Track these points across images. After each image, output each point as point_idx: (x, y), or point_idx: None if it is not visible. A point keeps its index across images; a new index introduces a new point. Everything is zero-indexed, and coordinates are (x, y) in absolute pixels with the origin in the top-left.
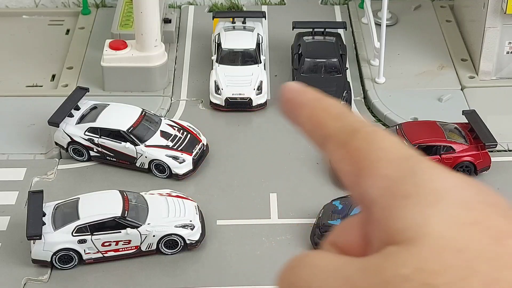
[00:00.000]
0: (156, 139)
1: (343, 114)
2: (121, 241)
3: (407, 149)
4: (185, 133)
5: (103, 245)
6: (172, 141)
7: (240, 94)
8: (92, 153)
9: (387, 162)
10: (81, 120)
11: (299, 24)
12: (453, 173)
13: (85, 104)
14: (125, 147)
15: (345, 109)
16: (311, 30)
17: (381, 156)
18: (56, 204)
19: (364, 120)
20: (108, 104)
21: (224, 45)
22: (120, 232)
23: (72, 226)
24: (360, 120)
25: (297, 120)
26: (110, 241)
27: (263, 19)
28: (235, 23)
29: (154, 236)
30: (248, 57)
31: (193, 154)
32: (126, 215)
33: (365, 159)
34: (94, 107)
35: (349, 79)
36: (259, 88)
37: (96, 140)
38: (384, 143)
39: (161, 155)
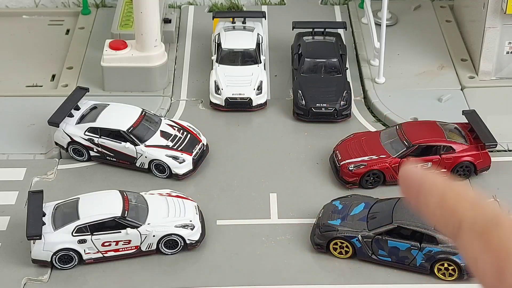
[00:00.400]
0: (156, 139)
1: (480, 202)
2: (121, 241)
3: None
4: (185, 133)
5: (103, 245)
6: (172, 141)
7: (240, 94)
8: (92, 153)
9: None
10: (81, 120)
11: (299, 24)
12: None
13: (85, 104)
14: (125, 147)
15: (480, 196)
16: (311, 30)
17: None
18: (56, 204)
19: (503, 209)
20: (108, 104)
21: (224, 45)
22: (120, 232)
23: (72, 226)
24: (499, 209)
25: (425, 206)
26: (110, 241)
27: (263, 19)
28: (235, 23)
29: (154, 236)
30: (248, 57)
31: (193, 154)
32: (126, 215)
33: (510, 251)
34: (94, 107)
35: (349, 79)
36: (259, 88)
37: (96, 140)
38: None
39: (161, 155)
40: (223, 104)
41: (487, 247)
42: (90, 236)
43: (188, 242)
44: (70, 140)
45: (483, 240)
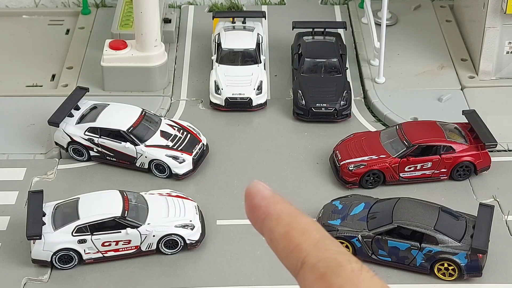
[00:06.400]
0: (156, 139)
1: (325, 241)
2: (121, 241)
3: None
4: (185, 133)
5: (103, 245)
6: (172, 141)
7: (240, 94)
8: (92, 153)
9: None
10: (81, 120)
11: (299, 24)
12: None
13: (85, 104)
14: (125, 147)
15: (325, 234)
16: (311, 30)
17: None
18: (56, 204)
19: (346, 251)
20: (108, 104)
21: (224, 45)
22: (120, 232)
23: (72, 226)
24: (343, 251)
25: (269, 234)
26: (110, 241)
27: (263, 19)
28: (235, 23)
29: (154, 236)
30: (248, 57)
31: (193, 154)
32: (126, 215)
33: None
34: (94, 107)
35: (349, 79)
36: (259, 88)
37: (96, 140)
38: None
39: (161, 155)
40: (223, 104)
41: None
42: (90, 236)
43: (188, 242)
44: (70, 140)
45: (324, 283)
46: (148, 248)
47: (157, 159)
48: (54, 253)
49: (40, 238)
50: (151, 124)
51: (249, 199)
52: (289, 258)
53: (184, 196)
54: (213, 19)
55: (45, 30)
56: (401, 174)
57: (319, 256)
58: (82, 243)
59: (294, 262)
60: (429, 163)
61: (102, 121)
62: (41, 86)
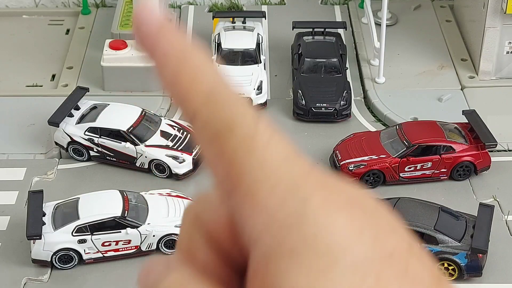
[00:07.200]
0: (156, 139)
1: (217, 90)
2: (121, 241)
3: (300, 166)
4: (185, 133)
5: (103, 245)
6: (172, 141)
7: (240, 94)
8: (92, 153)
9: (271, 187)
10: (81, 120)
11: (299, 24)
12: (348, 208)
13: (85, 104)
14: (125, 147)
15: (221, 80)
16: (311, 30)
17: (263, 175)
18: (56, 204)
19: (244, 104)
20: (108, 104)
21: (224, 45)
22: (120, 232)
23: (72, 226)
24: (240, 104)
25: (159, 72)
26: (110, 241)
27: (263, 19)
28: (235, 23)
29: (154, 236)
30: (248, 57)
31: (193, 154)
32: (126, 215)
33: (242, 174)
34: (94, 107)
35: (349, 79)
36: (259, 88)
37: (96, 140)
38: (268, 154)
39: (161, 155)
40: None
41: (220, 155)
42: (90, 236)
43: None
44: (70, 140)
45: (215, 143)
46: (148, 248)
47: (157, 159)
48: (54, 253)
49: (40, 238)
50: (151, 124)
51: (136, 23)
52: (181, 105)
53: (184, 196)
54: (213, 19)
55: (45, 30)
56: (401, 174)
57: (209, 113)
58: (82, 243)
59: (186, 113)
60: (429, 163)
61: (102, 121)
62: (41, 86)
